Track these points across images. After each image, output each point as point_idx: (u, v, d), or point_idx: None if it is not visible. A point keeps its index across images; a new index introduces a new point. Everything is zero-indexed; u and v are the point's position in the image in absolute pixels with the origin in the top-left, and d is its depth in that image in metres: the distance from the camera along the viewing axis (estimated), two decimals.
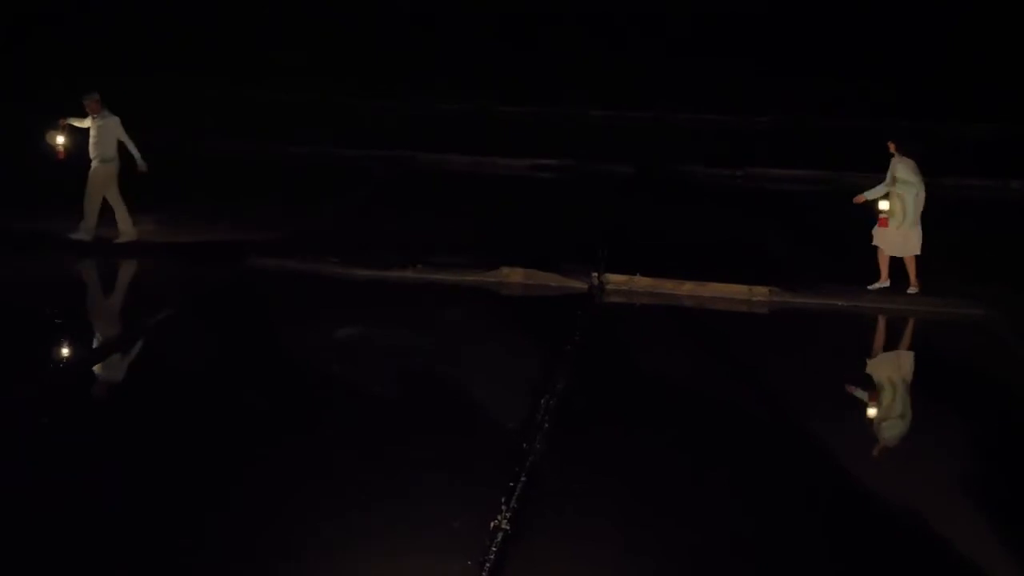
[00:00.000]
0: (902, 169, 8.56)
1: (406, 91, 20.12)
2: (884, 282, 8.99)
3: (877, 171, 9.62)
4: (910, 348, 8.59)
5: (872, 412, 7.17)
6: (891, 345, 8.74)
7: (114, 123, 9.73)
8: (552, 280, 9.56)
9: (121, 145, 10.01)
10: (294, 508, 5.26)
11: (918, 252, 8.73)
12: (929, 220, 9.03)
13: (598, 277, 9.52)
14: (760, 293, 9.09)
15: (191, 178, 12.82)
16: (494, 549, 4.99)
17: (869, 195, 8.90)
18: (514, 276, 9.67)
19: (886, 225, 8.71)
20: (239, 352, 7.93)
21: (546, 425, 6.54)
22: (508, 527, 5.13)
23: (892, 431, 6.86)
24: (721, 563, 5.12)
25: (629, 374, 7.87)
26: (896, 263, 8.84)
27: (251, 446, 6.16)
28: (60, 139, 9.82)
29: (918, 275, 8.81)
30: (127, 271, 9.97)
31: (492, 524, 5.11)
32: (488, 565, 4.85)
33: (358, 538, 5.10)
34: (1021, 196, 14.07)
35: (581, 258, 10.01)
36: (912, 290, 8.82)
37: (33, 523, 5.00)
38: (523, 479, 5.75)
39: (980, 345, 8.25)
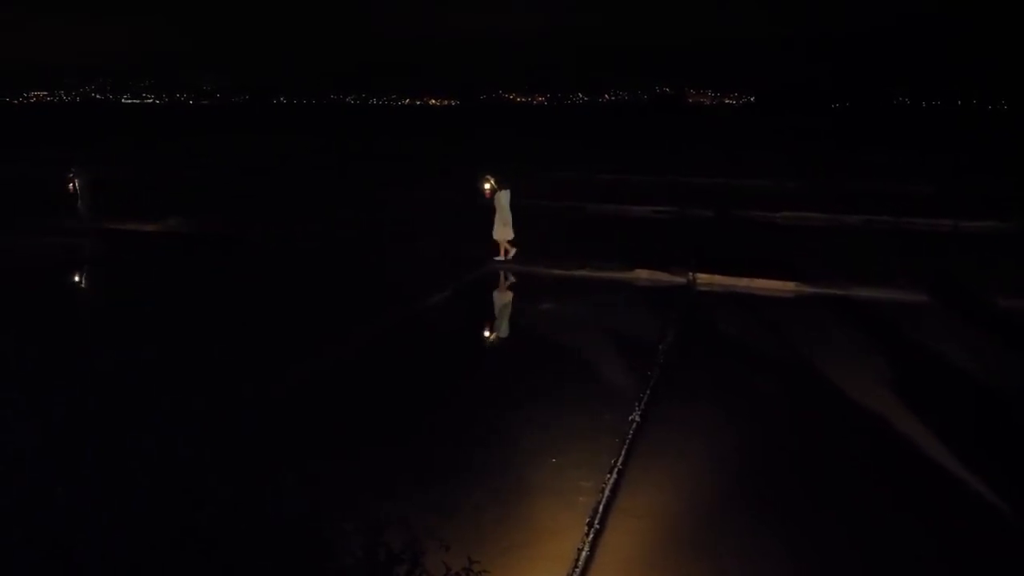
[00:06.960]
0: (504, 195, 13.54)
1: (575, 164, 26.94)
2: (503, 256, 13.70)
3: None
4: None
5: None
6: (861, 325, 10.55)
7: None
8: (664, 276, 12.80)
9: None
10: (526, 381, 8.16)
11: (511, 238, 13.59)
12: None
13: (692, 275, 12.67)
14: (788, 285, 12.34)
15: (466, 219, 17.19)
16: (631, 432, 6.75)
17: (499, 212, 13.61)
18: (643, 274, 13.01)
19: (489, 196, 13.69)
20: (486, 307, 11.65)
21: (661, 360, 8.78)
22: (640, 419, 7.03)
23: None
24: (783, 421, 7.13)
25: (711, 330, 10.27)
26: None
27: (503, 351, 9.64)
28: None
29: (508, 252, 13.62)
30: (433, 267, 13.64)
31: (630, 417, 7.04)
32: (628, 437, 6.67)
33: (559, 402, 7.50)
34: None
35: (681, 264, 13.16)
36: (499, 258, 13.64)
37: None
38: (648, 391, 7.76)
39: None
